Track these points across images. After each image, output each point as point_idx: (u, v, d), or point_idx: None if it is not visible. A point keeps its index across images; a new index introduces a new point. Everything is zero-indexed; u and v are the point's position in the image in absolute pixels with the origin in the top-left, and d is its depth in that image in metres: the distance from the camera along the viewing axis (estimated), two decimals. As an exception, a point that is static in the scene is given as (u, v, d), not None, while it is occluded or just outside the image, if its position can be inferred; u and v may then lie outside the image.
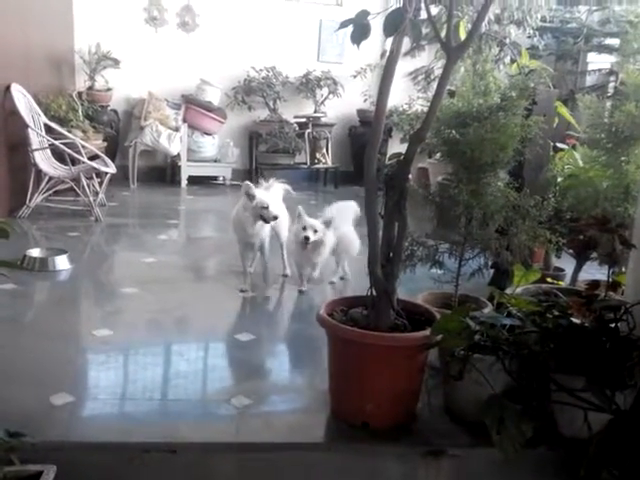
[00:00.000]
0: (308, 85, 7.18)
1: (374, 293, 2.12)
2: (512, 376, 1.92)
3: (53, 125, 5.34)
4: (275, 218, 3.38)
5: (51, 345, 2.64)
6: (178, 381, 2.41)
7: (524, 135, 2.30)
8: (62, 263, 3.70)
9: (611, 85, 6.11)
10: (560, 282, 3.12)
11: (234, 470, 1.99)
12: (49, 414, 2.08)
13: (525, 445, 1.80)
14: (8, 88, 4.81)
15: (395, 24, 1.72)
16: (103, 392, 2.28)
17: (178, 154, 6.65)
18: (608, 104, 3.25)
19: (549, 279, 2.93)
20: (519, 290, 2.51)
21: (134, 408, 2.21)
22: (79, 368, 2.52)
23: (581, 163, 3.17)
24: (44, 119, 5.26)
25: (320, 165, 7.32)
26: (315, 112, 7.32)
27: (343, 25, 1.77)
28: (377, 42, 6.72)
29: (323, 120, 7.34)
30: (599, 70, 6.60)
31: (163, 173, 7.07)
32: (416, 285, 2.68)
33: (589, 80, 6.72)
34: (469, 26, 4.40)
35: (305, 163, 7.16)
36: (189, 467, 1.96)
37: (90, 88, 6.48)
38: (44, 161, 5.03)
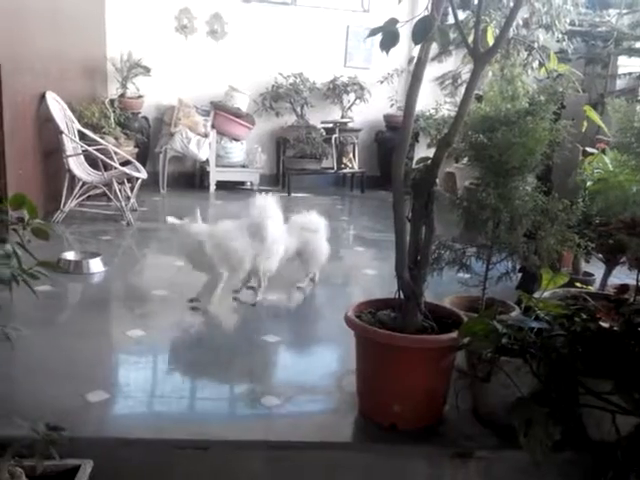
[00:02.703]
0: (335, 91, 7.23)
1: (402, 296, 2.15)
2: (540, 379, 1.93)
3: (86, 132, 5.46)
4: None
5: (87, 345, 2.72)
6: (208, 381, 2.46)
7: (553, 139, 2.30)
8: (96, 266, 3.80)
9: (642, 89, 6.04)
10: (589, 287, 3.10)
11: (263, 468, 2.03)
12: (85, 410, 2.14)
13: (553, 448, 1.81)
14: (43, 95, 4.95)
15: (424, 31, 1.75)
16: (137, 390, 2.34)
17: (207, 160, 6.75)
18: (638, 108, 3.22)
19: (578, 284, 2.92)
20: (547, 294, 2.50)
21: (166, 406, 2.27)
22: (113, 367, 2.60)
23: (610, 167, 3.15)
24: (78, 126, 5.39)
25: (347, 170, 7.36)
26: (342, 117, 7.37)
27: (373, 33, 1.81)
28: (404, 48, 6.76)
29: (350, 125, 7.39)
30: (629, 74, 6.53)
31: (192, 178, 7.18)
32: (443, 289, 2.70)
33: (619, 84, 6.65)
34: (497, 31, 4.38)
35: (332, 168, 7.20)
36: (220, 464, 2.01)
37: (122, 95, 6.62)
38: (78, 167, 5.16)
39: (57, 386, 2.30)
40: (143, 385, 2.42)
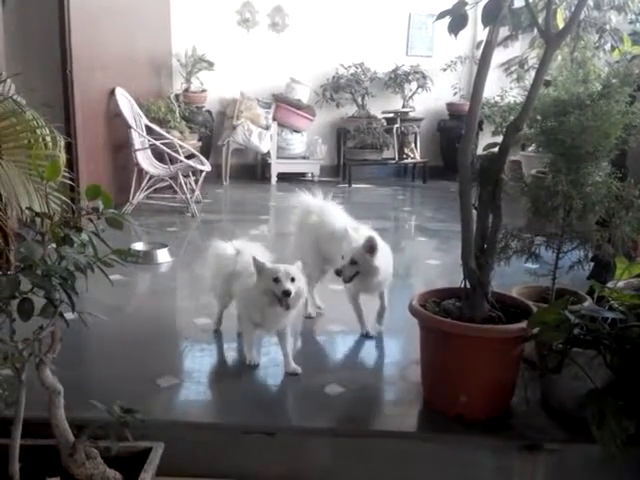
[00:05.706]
0: (396, 80, 7.16)
1: (468, 285, 2.11)
2: (614, 371, 1.86)
3: (153, 126, 5.62)
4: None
5: (157, 331, 2.81)
6: (274, 368, 2.49)
7: (628, 122, 2.20)
8: (163, 256, 3.91)
9: None
10: (666, 277, 2.96)
11: (328, 454, 2.05)
12: (156, 395, 2.22)
13: (627, 442, 1.75)
14: (113, 91, 5.12)
15: (494, 13, 1.70)
16: (204, 376, 2.41)
17: (268, 152, 6.83)
18: None
19: (654, 274, 2.80)
20: (621, 284, 2.41)
21: (234, 392, 2.32)
22: (182, 353, 2.67)
23: (690, 152, 3.00)
24: (145, 120, 5.55)
25: (408, 160, 7.28)
26: (403, 107, 7.29)
27: (441, 16, 1.78)
28: (468, 34, 6.61)
29: (411, 115, 7.30)
30: None
31: (254, 170, 7.28)
32: (510, 279, 2.64)
33: (698, 65, 6.30)
34: (566, 13, 4.23)
35: (393, 158, 7.15)
36: (285, 449, 2.04)
37: (186, 90, 6.78)
38: (145, 160, 5.32)
39: (129, 371, 2.38)
40: (210, 371, 2.48)
